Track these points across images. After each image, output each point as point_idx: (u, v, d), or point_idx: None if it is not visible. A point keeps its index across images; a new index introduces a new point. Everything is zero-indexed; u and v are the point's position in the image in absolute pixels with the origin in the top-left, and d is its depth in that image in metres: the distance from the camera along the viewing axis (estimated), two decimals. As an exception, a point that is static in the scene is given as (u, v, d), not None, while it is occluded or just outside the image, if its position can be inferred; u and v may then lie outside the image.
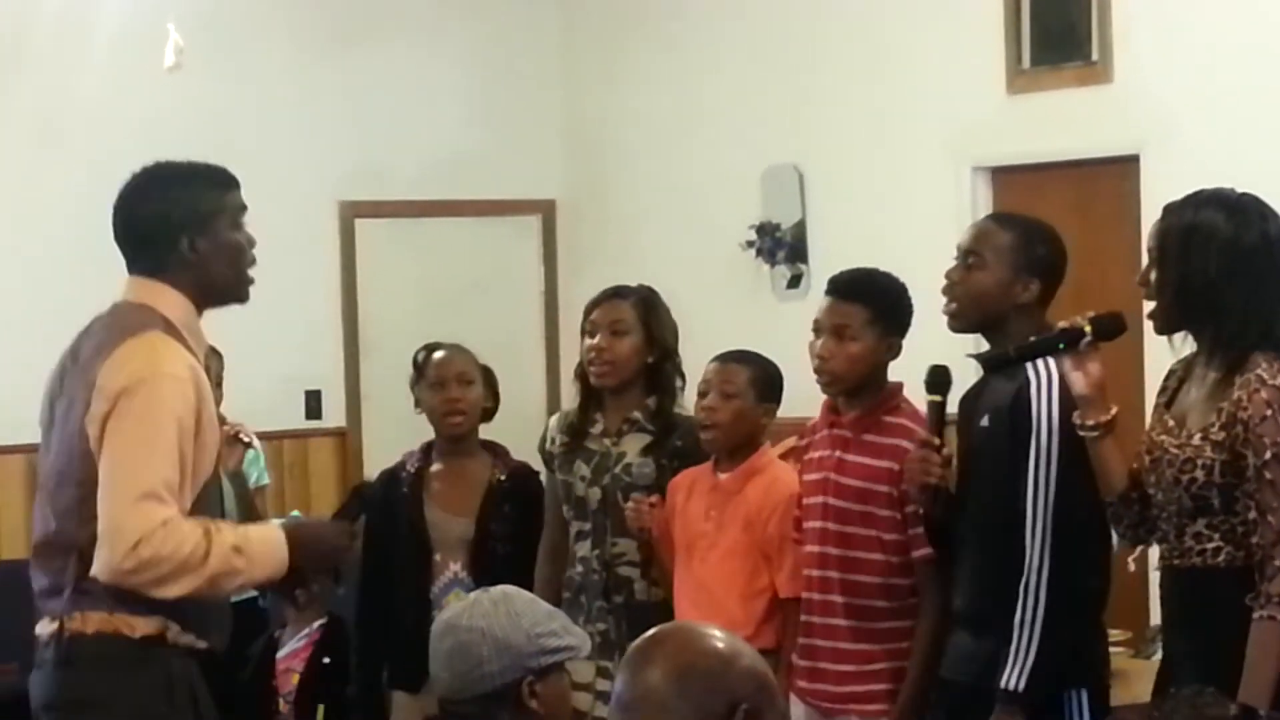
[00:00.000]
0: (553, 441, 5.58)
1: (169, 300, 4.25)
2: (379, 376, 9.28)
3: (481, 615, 3.70)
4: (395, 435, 6.81)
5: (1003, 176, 8.40)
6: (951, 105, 8.49)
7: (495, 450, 5.86)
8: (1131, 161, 7.75)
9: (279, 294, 9.54)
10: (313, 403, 9.58)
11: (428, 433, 5.93)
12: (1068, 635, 4.40)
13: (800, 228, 9.19)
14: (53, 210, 8.73)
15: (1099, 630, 4.65)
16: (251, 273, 4.35)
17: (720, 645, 2.88)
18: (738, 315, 8.69)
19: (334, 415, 9.69)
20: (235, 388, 8.80)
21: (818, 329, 4.90)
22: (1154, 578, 4.53)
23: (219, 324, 9.04)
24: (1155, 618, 4.46)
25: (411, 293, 9.96)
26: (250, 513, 6.20)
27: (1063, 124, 8.05)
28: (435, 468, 5.81)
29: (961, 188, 8.35)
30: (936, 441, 4.52)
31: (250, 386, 9.14)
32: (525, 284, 10.24)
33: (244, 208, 4.35)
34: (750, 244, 9.26)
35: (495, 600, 3.76)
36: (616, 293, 5.58)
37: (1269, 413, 3.98)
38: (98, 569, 4.10)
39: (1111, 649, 5.63)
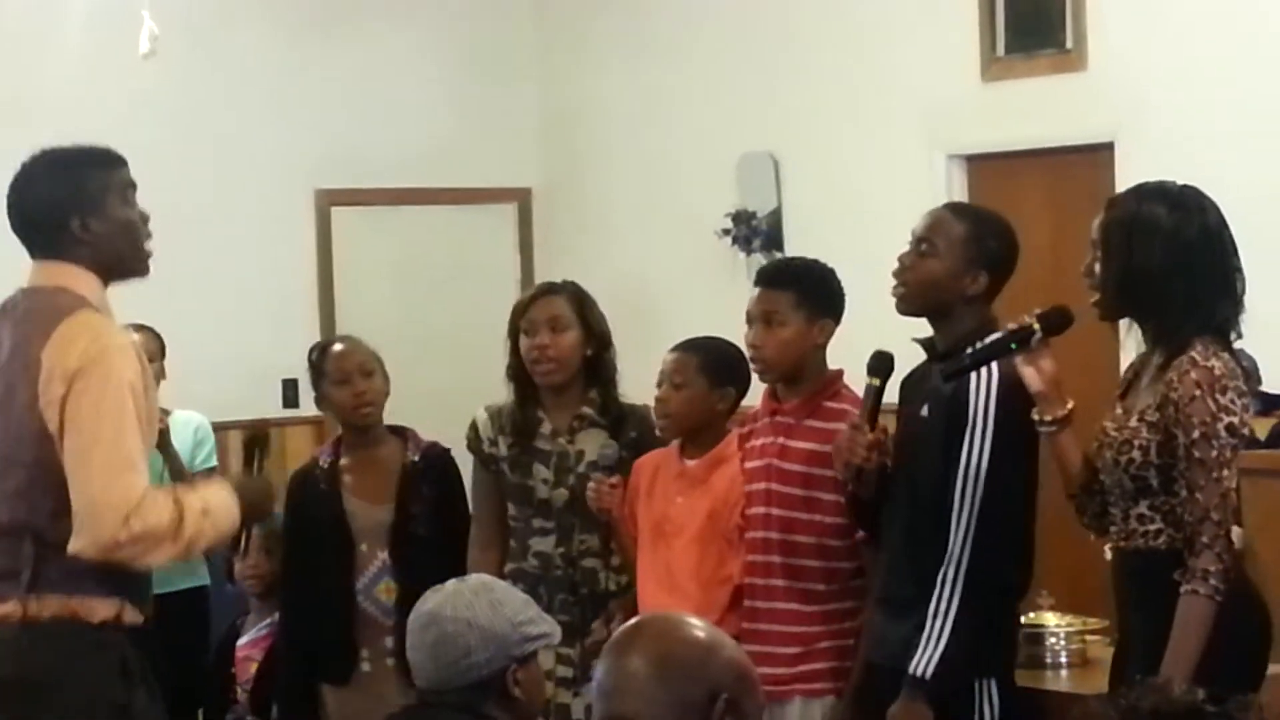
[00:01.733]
0: (493, 443, 5.51)
1: (79, 280, 4.33)
2: (355, 365, 9.26)
3: (465, 606, 3.72)
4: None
5: (978, 164, 8.42)
6: (926, 93, 8.51)
7: (403, 434, 5.85)
8: (1106, 149, 7.77)
9: (255, 282, 9.67)
10: (289, 391, 9.56)
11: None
12: (981, 626, 4.43)
13: (776, 215, 9.21)
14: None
15: (1014, 621, 4.69)
16: (149, 246, 4.42)
17: (701, 635, 2.91)
18: (713, 303, 8.66)
19: (310, 403, 9.61)
20: (212, 376, 8.86)
21: (749, 319, 4.95)
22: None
23: (197, 311, 9.14)
24: (1114, 609, 4.48)
25: (388, 280, 9.97)
26: (184, 482, 6.22)
27: (1037, 111, 8.08)
28: (346, 460, 5.79)
29: (936, 175, 8.37)
30: (866, 425, 4.56)
31: (227, 375, 9.19)
32: (501, 272, 10.24)
33: (132, 184, 4.42)
34: (726, 232, 9.27)
35: (476, 590, 3.78)
36: (548, 289, 5.57)
37: (1198, 393, 4.04)
38: (83, 545, 4.13)
39: (1088, 638, 5.67)
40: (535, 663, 3.78)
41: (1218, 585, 4.01)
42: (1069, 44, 7.98)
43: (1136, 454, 4.12)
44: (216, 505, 4.30)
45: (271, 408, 9.48)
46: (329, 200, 9.89)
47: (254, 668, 6.17)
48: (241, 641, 6.24)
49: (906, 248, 4.62)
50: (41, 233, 4.36)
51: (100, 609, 4.21)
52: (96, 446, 4.14)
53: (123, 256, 4.38)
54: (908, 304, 4.62)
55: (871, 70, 8.75)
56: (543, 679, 3.89)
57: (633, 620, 3.00)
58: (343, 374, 5.75)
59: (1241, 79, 7.42)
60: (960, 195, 8.28)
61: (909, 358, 4.70)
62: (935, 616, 4.42)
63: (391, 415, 5.95)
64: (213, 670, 6.32)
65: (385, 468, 5.76)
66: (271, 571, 6.24)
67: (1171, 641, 4.00)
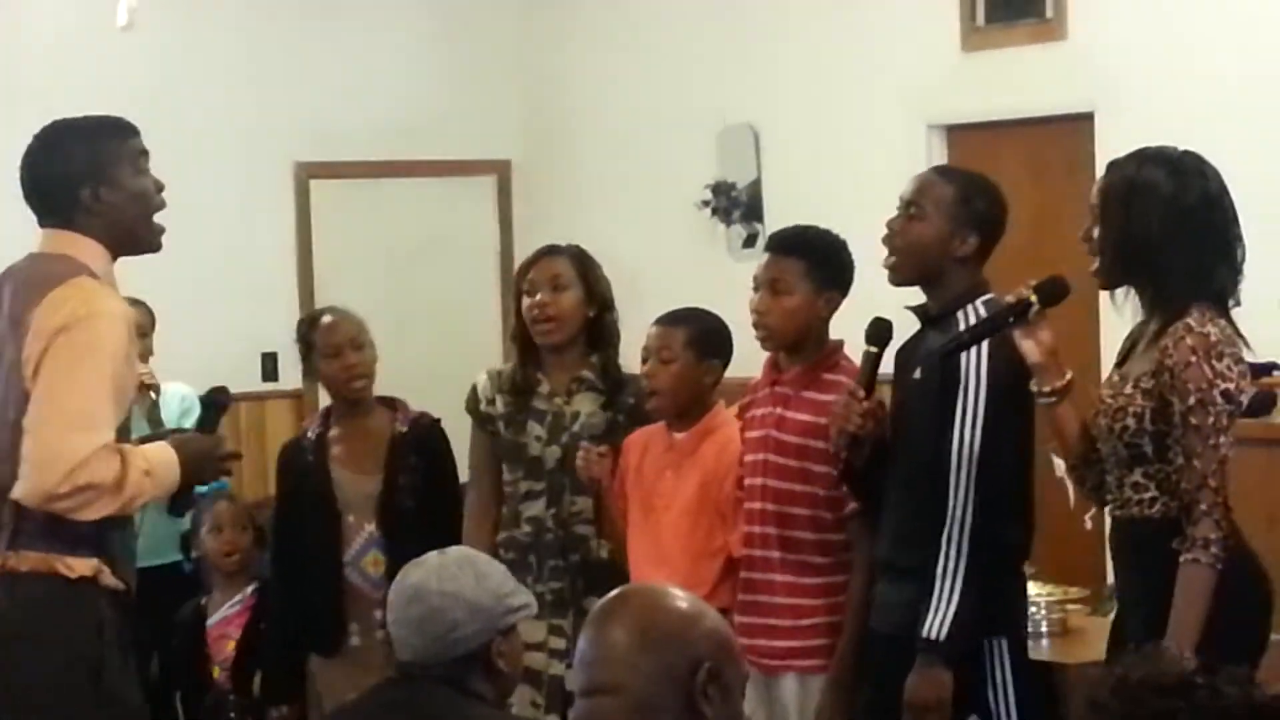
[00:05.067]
0: (490, 402, 5.53)
1: (85, 249, 4.35)
2: (335, 338, 9.24)
3: (450, 579, 3.73)
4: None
5: (958, 134, 8.41)
6: (906, 63, 8.50)
7: (392, 404, 5.84)
8: (1086, 119, 7.77)
9: (235, 255, 9.64)
10: (269, 365, 9.55)
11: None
12: (988, 585, 4.43)
13: (756, 187, 9.20)
14: (2, 169, 8.67)
15: (1020, 581, 4.71)
16: (159, 219, 4.44)
17: (684, 605, 2.91)
18: (694, 274, 8.69)
19: (290, 377, 9.61)
20: (191, 349, 8.82)
21: (756, 284, 4.93)
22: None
23: (175, 285, 9.11)
24: (1112, 575, 4.48)
25: (367, 253, 9.94)
26: None
27: (1017, 82, 8.08)
28: (335, 431, 5.79)
29: (916, 145, 8.36)
30: (861, 392, 4.55)
31: (206, 348, 9.14)
32: (481, 244, 10.23)
33: (145, 153, 4.46)
34: (706, 203, 9.27)
35: (460, 563, 3.78)
36: (551, 250, 5.58)
37: (1193, 359, 4.03)
38: (24, 491, 4.18)
39: (1069, 607, 5.68)
40: (516, 634, 3.79)
41: (1218, 554, 4.00)
42: (1049, 13, 7.98)
43: (1131, 421, 4.12)
44: (158, 464, 4.31)
45: (251, 381, 9.46)
46: (308, 173, 9.87)
47: (230, 645, 6.16)
48: (212, 621, 6.22)
49: (893, 214, 4.61)
50: (53, 201, 4.37)
51: (78, 566, 4.25)
52: (55, 399, 4.18)
53: (134, 227, 4.40)
54: (899, 272, 4.60)
55: (851, 40, 8.74)
56: (522, 650, 3.90)
57: (614, 592, 3.00)
58: (334, 347, 5.74)
59: (1221, 49, 7.42)
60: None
61: (901, 327, 4.69)
62: (943, 577, 4.40)
63: (374, 388, 5.94)
64: (184, 653, 6.27)
65: (374, 438, 5.76)
66: (247, 549, 6.25)
67: (1174, 611, 3.99)
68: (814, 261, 4.89)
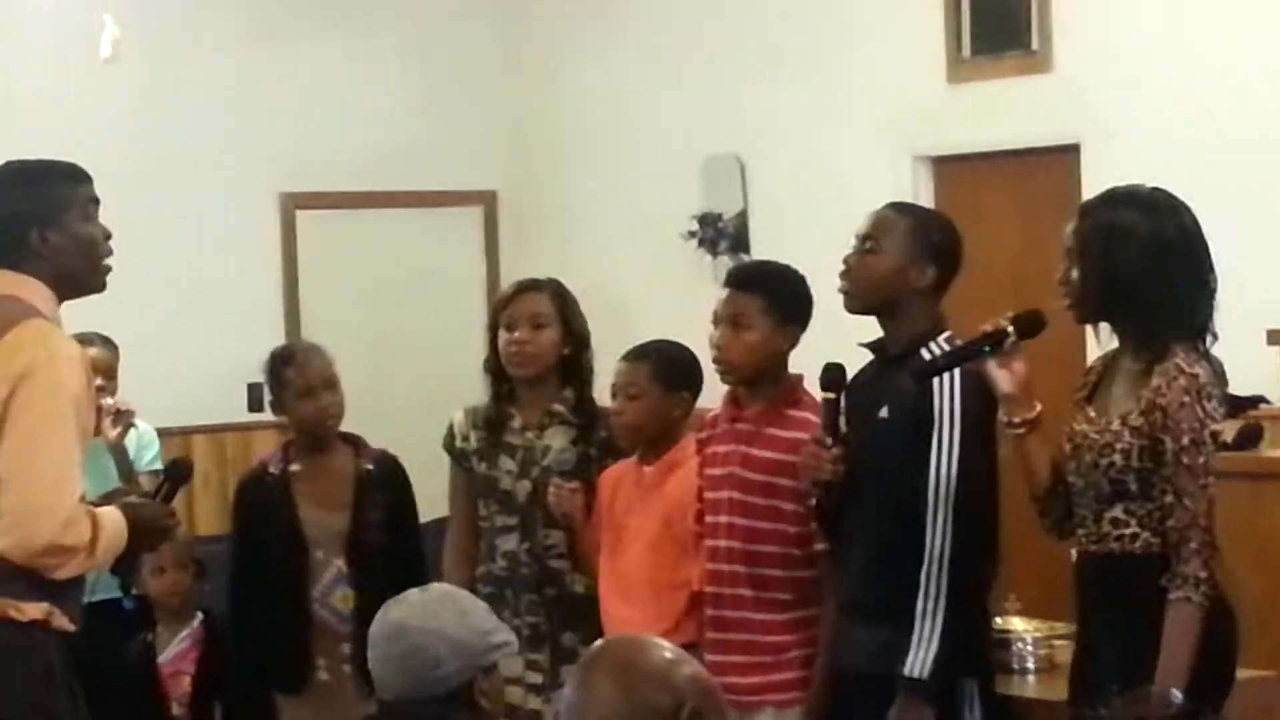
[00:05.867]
0: (465, 438, 5.54)
1: (33, 291, 4.36)
2: (320, 369, 9.22)
3: (432, 616, 3.71)
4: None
5: (944, 166, 8.42)
6: (892, 94, 8.50)
7: (353, 440, 5.85)
8: (1071, 151, 7.78)
9: (220, 285, 9.62)
10: (255, 395, 9.49)
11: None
12: (967, 623, 4.46)
13: (742, 218, 9.20)
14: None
15: (987, 618, 4.73)
16: (108, 262, 4.47)
17: (666, 653, 2.98)
18: (680, 306, 8.60)
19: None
20: (176, 380, 8.83)
21: (716, 320, 4.94)
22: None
23: (160, 315, 9.08)
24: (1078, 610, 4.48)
25: (353, 284, 9.93)
26: (131, 487, 6.19)
27: (1003, 113, 8.08)
28: (297, 467, 5.78)
29: (902, 177, 8.37)
30: (828, 440, 4.57)
31: (192, 379, 9.15)
32: (467, 275, 10.21)
33: (95, 200, 4.47)
34: (692, 234, 9.26)
35: (441, 600, 3.77)
36: (532, 285, 5.58)
37: (1186, 399, 4.06)
38: (10, 545, 4.17)
39: (1055, 642, 5.66)
40: (498, 671, 3.78)
41: (1207, 592, 4.04)
42: (1035, 46, 7.99)
43: (1118, 458, 4.13)
44: (113, 530, 4.34)
45: (237, 411, 9.43)
46: (294, 203, 9.86)
47: (187, 681, 6.13)
48: (164, 658, 6.20)
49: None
50: (1, 242, 4.38)
51: (29, 610, 4.24)
52: (41, 453, 4.19)
53: (79, 272, 4.42)
54: (856, 301, 4.65)
55: (837, 71, 8.74)
56: (504, 687, 3.90)
57: (599, 641, 3.09)
58: (308, 387, 5.74)
59: (1206, 81, 7.42)
60: (926, 196, 8.28)
61: (859, 362, 4.71)
62: (924, 617, 4.43)
63: (357, 420, 5.93)
64: (137, 692, 6.17)
65: (338, 475, 5.76)
66: (190, 586, 6.23)
67: (1164, 649, 4.01)
68: (774, 297, 4.90)
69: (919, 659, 4.40)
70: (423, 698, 3.68)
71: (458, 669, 3.68)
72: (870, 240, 4.62)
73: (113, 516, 4.37)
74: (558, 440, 5.43)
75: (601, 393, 5.47)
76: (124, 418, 6.58)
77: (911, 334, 4.57)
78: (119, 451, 6.54)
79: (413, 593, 3.82)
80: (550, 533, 5.39)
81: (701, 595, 4.98)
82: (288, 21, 9.76)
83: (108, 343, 6.74)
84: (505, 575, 5.41)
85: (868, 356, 4.72)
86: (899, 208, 4.85)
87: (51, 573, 4.19)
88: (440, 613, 3.71)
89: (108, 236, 4.46)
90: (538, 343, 5.44)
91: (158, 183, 9.29)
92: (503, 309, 5.53)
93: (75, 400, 4.25)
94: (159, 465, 7.09)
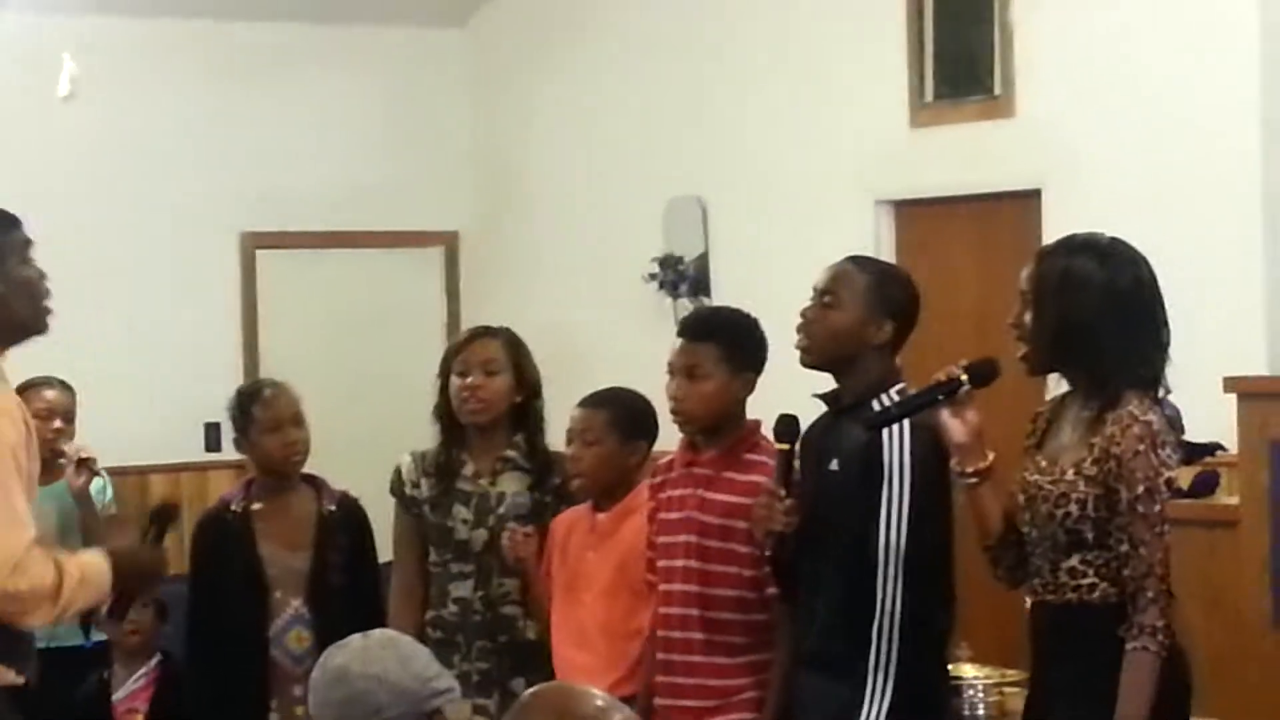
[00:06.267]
0: (415, 485, 5.52)
1: None
2: (278, 409, 9.18)
3: (374, 661, 3.66)
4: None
5: (906, 209, 8.41)
6: (854, 138, 8.50)
7: (314, 481, 5.82)
8: (1033, 195, 7.77)
9: (179, 325, 9.58)
10: (212, 435, 9.46)
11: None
12: (920, 676, 4.44)
13: (703, 260, 9.19)
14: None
15: (944, 671, 4.71)
16: (47, 304, 4.43)
17: (598, 701, 2.92)
18: (640, 348, 8.59)
19: (233, 447, 9.59)
20: (134, 419, 8.78)
21: (671, 371, 4.91)
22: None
23: (118, 354, 9.03)
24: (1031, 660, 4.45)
25: (313, 324, 9.90)
26: (94, 537, 6.15)
27: (966, 158, 8.08)
28: (259, 505, 5.75)
29: (864, 220, 8.36)
30: (782, 492, 4.55)
31: (149, 417, 9.11)
32: (428, 316, 10.19)
33: (29, 242, 4.43)
34: (653, 276, 9.25)
35: (383, 645, 3.72)
36: (485, 332, 5.59)
37: (1141, 448, 4.05)
38: None
39: (1006, 689, 5.64)
40: (441, 717, 3.73)
41: (1164, 641, 4.03)
42: (997, 90, 7.99)
43: (1074, 508, 4.11)
44: (91, 574, 4.30)
45: (194, 451, 9.40)
46: (254, 243, 9.84)
47: (139, 718, 6.09)
48: (118, 696, 6.16)
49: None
50: None
51: None
52: None
53: (22, 316, 4.39)
54: (813, 355, 4.63)
55: (799, 114, 8.74)
56: (447, 734, 3.85)
57: (530, 690, 3.01)
58: (275, 422, 5.72)
59: (1168, 127, 7.43)
60: (888, 240, 8.28)
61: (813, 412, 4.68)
62: (875, 671, 4.42)
63: (317, 461, 5.90)
64: None
65: (299, 515, 5.73)
66: (150, 627, 6.19)
67: (1122, 698, 4.00)
68: (728, 345, 4.87)
69: (872, 713, 4.39)
70: (362, 743, 3.64)
71: (398, 715, 3.63)
72: (829, 295, 4.60)
73: (89, 561, 4.34)
74: (511, 486, 5.42)
75: (557, 435, 5.45)
76: (87, 464, 6.51)
77: (866, 385, 4.56)
78: (83, 499, 6.46)
79: (355, 638, 3.77)
80: (504, 581, 5.37)
81: (653, 640, 4.96)
82: (248, 60, 9.74)
83: (65, 386, 6.69)
84: (457, 621, 5.39)
85: (822, 405, 4.71)
86: (858, 262, 4.80)
87: (15, 620, 4.14)
88: (382, 658, 3.67)
89: (44, 277, 4.43)
90: (490, 389, 5.43)
91: (117, 222, 9.26)
92: (455, 355, 5.52)
93: (13, 450, 4.19)
94: (113, 510, 7.06)
